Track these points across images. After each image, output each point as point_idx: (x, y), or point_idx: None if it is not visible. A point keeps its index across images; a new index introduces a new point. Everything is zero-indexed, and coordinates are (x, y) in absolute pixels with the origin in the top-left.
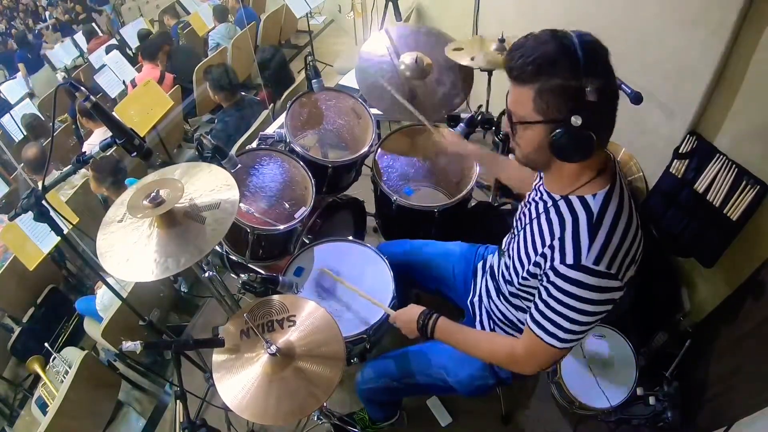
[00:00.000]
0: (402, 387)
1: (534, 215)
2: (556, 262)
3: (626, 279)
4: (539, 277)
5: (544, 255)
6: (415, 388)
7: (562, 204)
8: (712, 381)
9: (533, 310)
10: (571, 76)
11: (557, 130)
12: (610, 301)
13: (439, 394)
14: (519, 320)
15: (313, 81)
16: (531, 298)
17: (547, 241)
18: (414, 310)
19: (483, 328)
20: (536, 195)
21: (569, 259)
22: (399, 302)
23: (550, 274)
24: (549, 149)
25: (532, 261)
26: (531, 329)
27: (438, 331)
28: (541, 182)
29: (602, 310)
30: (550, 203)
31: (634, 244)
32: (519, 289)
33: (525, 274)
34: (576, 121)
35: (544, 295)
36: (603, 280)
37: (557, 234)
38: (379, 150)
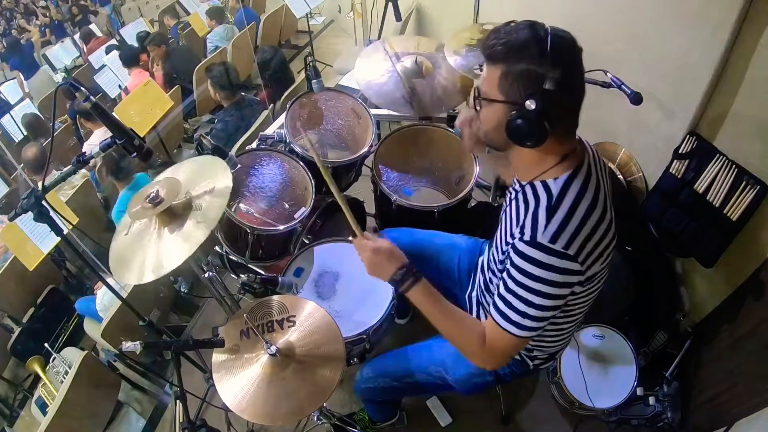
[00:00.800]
0: (401, 386)
1: (507, 203)
2: (516, 240)
3: (590, 268)
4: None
5: (506, 239)
6: (415, 387)
7: (528, 189)
8: (712, 381)
9: (495, 297)
10: (535, 62)
11: (512, 112)
12: (567, 285)
13: (438, 393)
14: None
15: (313, 81)
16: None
17: (515, 226)
18: (394, 253)
19: None
20: (513, 184)
21: (527, 236)
22: (399, 302)
23: (510, 253)
24: (505, 130)
25: (502, 249)
26: (491, 315)
27: (415, 291)
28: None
29: (559, 294)
30: (519, 190)
31: (599, 229)
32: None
33: (499, 263)
34: (530, 105)
35: (504, 275)
36: (559, 260)
37: (521, 217)
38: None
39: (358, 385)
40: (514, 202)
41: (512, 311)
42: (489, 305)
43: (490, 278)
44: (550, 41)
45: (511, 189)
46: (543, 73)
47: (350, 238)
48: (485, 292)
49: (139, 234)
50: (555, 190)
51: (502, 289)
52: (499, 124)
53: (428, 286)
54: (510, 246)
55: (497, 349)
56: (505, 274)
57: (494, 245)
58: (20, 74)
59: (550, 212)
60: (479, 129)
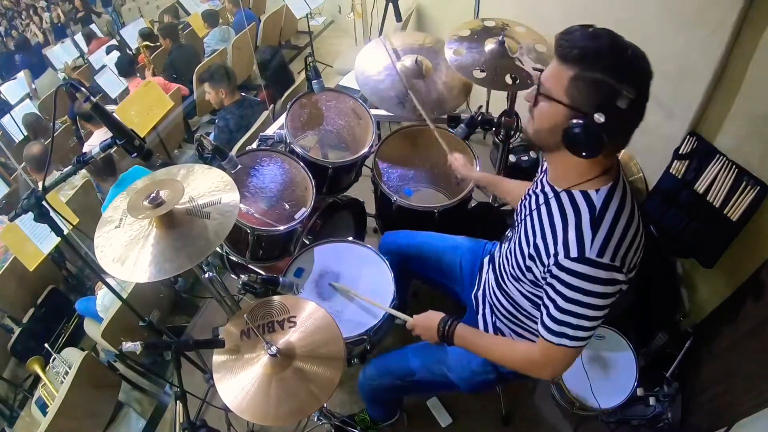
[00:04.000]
0: (404, 385)
1: (534, 207)
2: (560, 257)
3: (630, 273)
4: (542, 275)
5: (546, 249)
6: (418, 386)
7: (564, 197)
8: (712, 381)
9: (543, 315)
10: (613, 75)
11: (577, 120)
12: (614, 294)
13: (441, 392)
14: (518, 312)
15: (314, 82)
16: (528, 290)
17: (548, 235)
18: (434, 317)
19: (485, 321)
20: (537, 187)
21: (573, 253)
22: (399, 301)
23: (554, 269)
24: (561, 134)
25: (527, 253)
26: (542, 336)
27: (457, 337)
28: (543, 175)
29: (608, 304)
30: (551, 195)
31: (636, 239)
32: (518, 280)
33: (523, 266)
34: (598, 118)
35: (551, 293)
36: (608, 273)
37: (560, 230)
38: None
39: (362, 384)
40: (544, 207)
41: (567, 328)
42: (539, 328)
43: (503, 278)
44: (632, 57)
45: (537, 191)
46: (619, 90)
47: (350, 238)
48: (497, 292)
49: (130, 230)
50: (597, 202)
51: (550, 307)
52: (556, 126)
53: (467, 327)
54: (553, 264)
55: (555, 363)
56: (551, 292)
57: (515, 246)
58: (29, 72)
59: (595, 225)
60: (530, 125)
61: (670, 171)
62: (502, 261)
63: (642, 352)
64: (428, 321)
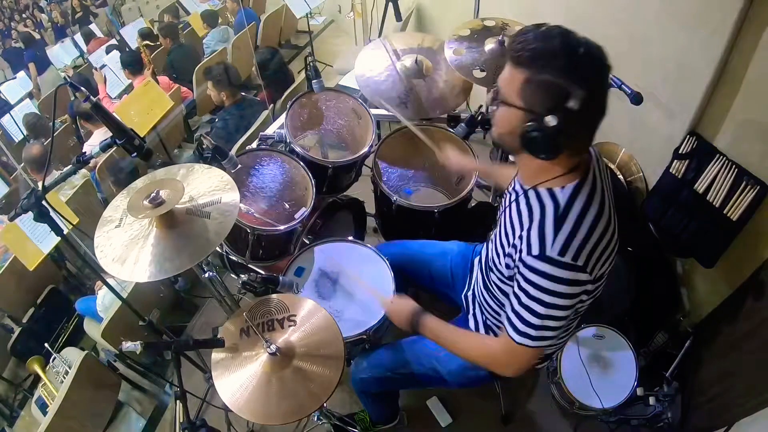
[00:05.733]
0: (395, 378)
1: (506, 204)
2: (524, 254)
3: (597, 273)
4: (512, 270)
5: (514, 246)
6: (409, 379)
7: (531, 194)
8: (712, 381)
9: (507, 309)
10: (562, 76)
11: (530, 123)
12: (579, 295)
13: (432, 386)
14: (503, 310)
15: (314, 81)
16: (509, 286)
17: (517, 232)
18: (408, 304)
19: (476, 321)
20: (512, 185)
21: (534, 251)
22: None
23: (520, 266)
24: (519, 138)
25: (506, 251)
26: (506, 330)
27: (424, 327)
28: (517, 173)
29: (572, 305)
30: (521, 193)
31: (605, 238)
32: (500, 279)
33: (501, 263)
34: (550, 120)
35: (515, 289)
36: (569, 272)
37: (525, 225)
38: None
39: (353, 376)
40: (514, 205)
41: (529, 327)
42: (503, 321)
43: (488, 276)
44: (582, 56)
45: (511, 190)
46: (570, 91)
47: (350, 238)
48: (483, 291)
49: (130, 230)
50: (562, 200)
51: (516, 305)
52: (514, 129)
53: (433, 319)
54: (519, 260)
55: (516, 361)
56: (516, 289)
57: (493, 245)
58: (33, 67)
59: (558, 224)
60: (493, 129)
61: (670, 171)
62: (486, 259)
63: (642, 352)
64: (401, 306)
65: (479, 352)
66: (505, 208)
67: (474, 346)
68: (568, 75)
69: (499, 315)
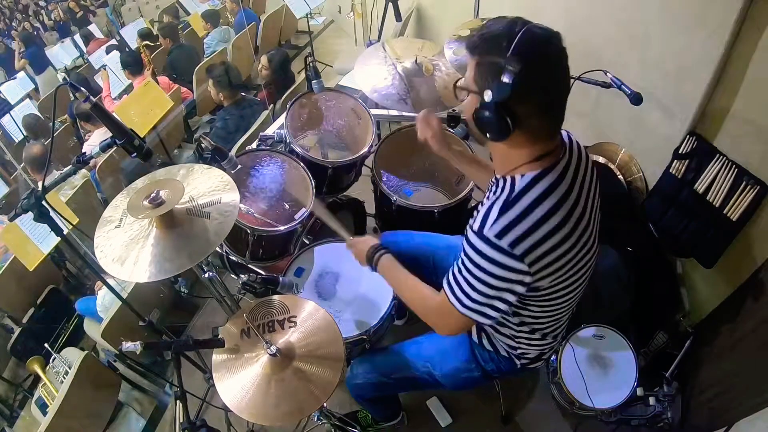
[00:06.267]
0: (390, 382)
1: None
2: (468, 228)
3: (538, 269)
4: None
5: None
6: (404, 383)
7: (500, 182)
8: (712, 381)
9: (449, 271)
10: (499, 55)
11: (479, 104)
12: (512, 281)
13: (427, 389)
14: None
15: (313, 82)
16: None
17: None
18: (369, 241)
19: None
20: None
21: (475, 227)
22: (399, 302)
23: (464, 239)
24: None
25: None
26: (443, 286)
27: (380, 266)
28: None
29: (503, 287)
30: (494, 182)
31: (554, 236)
32: None
33: None
34: (486, 94)
35: (459, 255)
36: (503, 257)
37: (484, 207)
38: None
39: (348, 381)
40: (489, 193)
41: (458, 288)
42: (444, 279)
43: None
44: (520, 35)
45: (492, 180)
46: (503, 65)
47: (347, 240)
48: None
49: (130, 230)
50: (518, 186)
51: (455, 269)
52: (472, 113)
53: (392, 260)
54: (466, 231)
55: (448, 320)
56: (460, 254)
57: None
58: (28, 64)
59: (504, 208)
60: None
61: (670, 171)
62: None
63: (642, 352)
64: (363, 243)
65: (420, 303)
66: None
67: (416, 297)
68: (503, 53)
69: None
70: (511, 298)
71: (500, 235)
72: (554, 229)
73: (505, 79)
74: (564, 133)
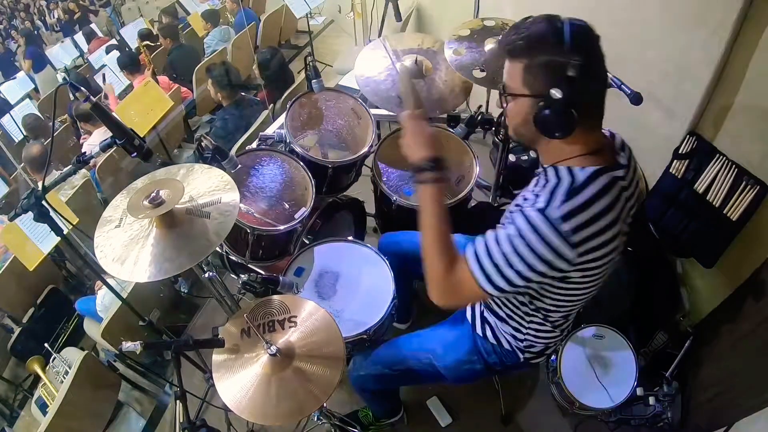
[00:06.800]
0: (393, 374)
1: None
2: (526, 206)
3: (583, 260)
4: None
5: (517, 205)
6: (406, 375)
7: (549, 170)
8: (712, 381)
9: (478, 242)
10: (556, 52)
11: (540, 104)
12: (552, 268)
13: (429, 382)
14: (506, 306)
15: (313, 81)
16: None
17: (523, 196)
18: (433, 140)
19: (473, 310)
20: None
21: (540, 204)
22: (399, 302)
23: (516, 214)
24: (533, 124)
25: (509, 212)
26: (467, 259)
27: (427, 188)
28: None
29: (540, 271)
30: (540, 173)
31: (605, 233)
32: None
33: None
34: (555, 93)
35: (499, 231)
36: (559, 240)
37: (537, 189)
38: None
39: (351, 374)
40: (532, 182)
41: (488, 261)
42: (466, 250)
43: None
44: (568, 30)
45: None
46: (565, 62)
47: (350, 238)
48: None
49: (130, 230)
50: (580, 177)
51: (489, 238)
52: (527, 118)
53: (439, 192)
54: (516, 210)
55: (457, 287)
56: (499, 230)
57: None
58: (30, 63)
59: (571, 193)
60: (509, 125)
61: (670, 171)
62: None
63: (642, 352)
64: (421, 137)
65: (439, 251)
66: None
67: (440, 242)
68: (560, 49)
69: (502, 305)
70: (536, 279)
71: (566, 217)
72: (606, 227)
73: (571, 73)
74: (618, 137)
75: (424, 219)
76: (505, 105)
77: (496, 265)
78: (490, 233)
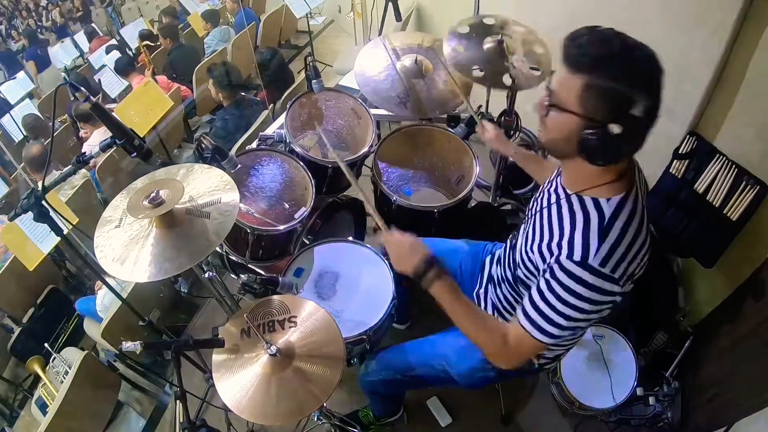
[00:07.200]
0: (405, 379)
1: (545, 205)
2: (563, 257)
3: (626, 287)
4: (541, 271)
5: (550, 249)
6: (418, 380)
7: (574, 200)
8: (712, 381)
9: (526, 304)
10: (625, 82)
11: (592, 130)
12: (605, 304)
13: (440, 387)
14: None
15: (313, 81)
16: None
17: (555, 237)
18: (417, 246)
19: None
20: (550, 186)
21: (576, 256)
22: (399, 303)
23: (555, 268)
24: (576, 144)
25: (542, 253)
26: (521, 323)
27: (437, 285)
28: (558, 176)
29: (595, 311)
30: (562, 197)
31: (641, 252)
32: (526, 276)
33: (533, 262)
34: (614, 129)
35: (542, 286)
36: (605, 283)
37: (567, 231)
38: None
39: (362, 378)
40: (555, 208)
41: (543, 319)
42: (517, 314)
43: (515, 272)
44: (642, 59)
45: (551, 191)
46: (633, 97)
47: (350, 238)
48: (502, 286)
49: (130, 230)
50: (607, 211)
51: (536, 297)
52: (570, 135)
53: (450, 283)
54: (554, 261)
55: (519, 351)
56: (542, 284)
57: (525, 242)
58: (33, 65)
59: (603, 233)
60: (543, 133)
61: (670, 171)
62: (513, 256)
63: (642, 352)
64: (409, 245)
65: (485, 335)
66: (542, 208)
67: (481, 323)
68: (630, 80)
69: (514, 309)
70: (597, 318)
71: (604, 262)
72: (640, 248)
73: (636, 112)
74: None
75: (453, 313)
76: (545, 113)
77: (552, 322)
78: (536, 297)
